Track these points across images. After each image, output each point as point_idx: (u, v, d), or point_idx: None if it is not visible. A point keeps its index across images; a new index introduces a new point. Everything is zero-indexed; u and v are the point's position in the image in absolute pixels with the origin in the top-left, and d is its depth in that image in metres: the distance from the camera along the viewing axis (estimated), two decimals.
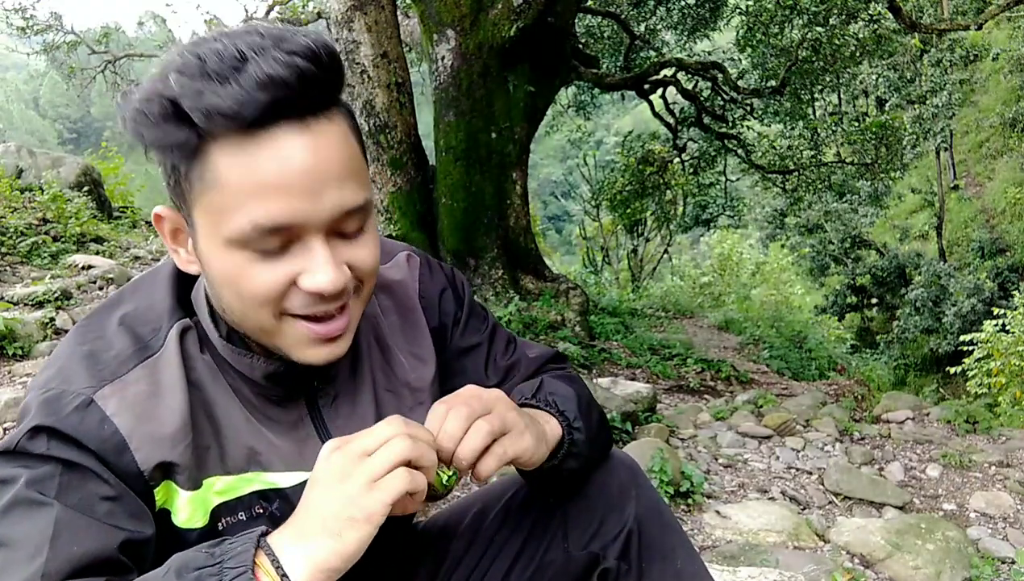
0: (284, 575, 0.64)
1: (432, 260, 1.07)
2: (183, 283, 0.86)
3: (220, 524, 0.81)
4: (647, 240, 14.35)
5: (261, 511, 0.83)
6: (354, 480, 0.67)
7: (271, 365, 0.83)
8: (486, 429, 0.76)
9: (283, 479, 0.84)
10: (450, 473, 0.77)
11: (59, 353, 0.80)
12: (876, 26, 8.98)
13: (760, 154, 10.92)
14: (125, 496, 0.73)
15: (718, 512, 2.77)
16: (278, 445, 0.85)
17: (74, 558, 0.68)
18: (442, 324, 1.02)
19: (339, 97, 0.77)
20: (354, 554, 0.66)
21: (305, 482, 0.79)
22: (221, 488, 0.81)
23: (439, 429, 0.75)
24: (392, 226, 6.03)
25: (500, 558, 0.98)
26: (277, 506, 0.84)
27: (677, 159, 11.92)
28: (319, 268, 0.72)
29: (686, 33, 10.97)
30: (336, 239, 0.75)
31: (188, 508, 0.79)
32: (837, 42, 8.61)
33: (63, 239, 5.42)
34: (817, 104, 14.35)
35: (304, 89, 0.68)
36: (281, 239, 0.72)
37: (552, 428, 0.89)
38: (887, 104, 17.93)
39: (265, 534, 0.68)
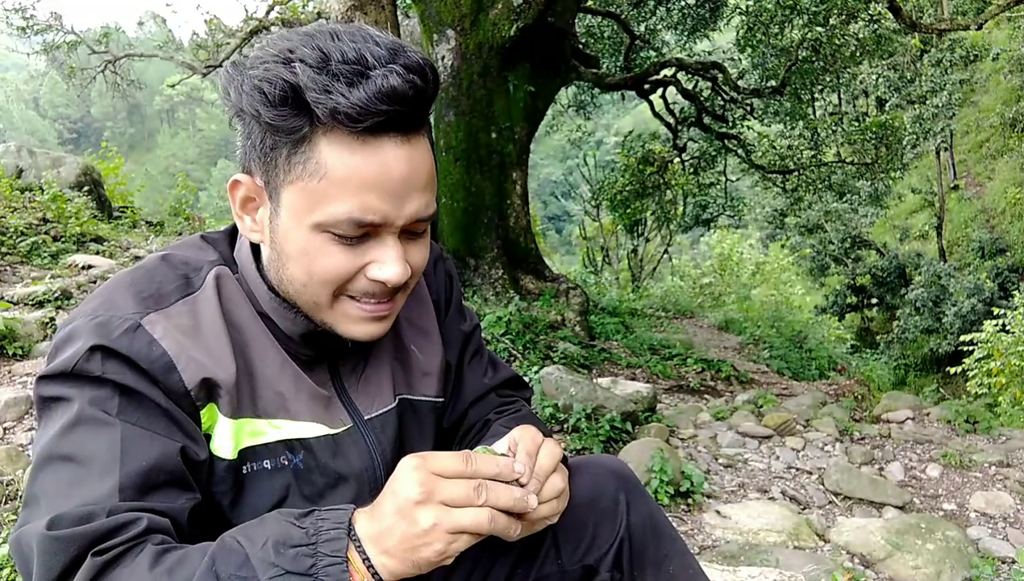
0: (375, 574, 0.69)
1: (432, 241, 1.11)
2: (223, 241, 0.94)
3: (245, 468, 0.84)
4: (647, 240, 14.33)
5: (286, 463, 0.86)
6: (423, 519, 0.70)
7: (311, 325, 0.87)
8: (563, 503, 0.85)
9: (308, 430, 0.88)
10: None
11: (104, 286, 0.84)
12: (876, 26, 8.98)
13: (760, 154, 10.92)
14: (179, 416, 0.78)
15: (718, 512, 2.77)
16: (304, 399, 0.89)
17: (143, 471, 0.72)
18: (436, 300, 1.08)
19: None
20: (429, 569, 0.72)
21: (328, 436, 0.90)
22: (251, 430, 0.84)
23: (539, 475, 0.80)
24: None
25: (491, 577, 0.97)
26: (301, 458, 0.87)
27: (677, 159, 11.91)
28: (390, 262, 0.80)
29: (686, 33, 10.98)
30: (405, 238, 0.83)
31: (224, 434, 0.82)
32: (837, 42, 8.61)
33: (63, 239, 5.42)
34: (817, 104, 14.36)
35: (416, 106, 0.76)
36: (364, 232, 0.79)
37: None
38: (887, 104, 17.94)
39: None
